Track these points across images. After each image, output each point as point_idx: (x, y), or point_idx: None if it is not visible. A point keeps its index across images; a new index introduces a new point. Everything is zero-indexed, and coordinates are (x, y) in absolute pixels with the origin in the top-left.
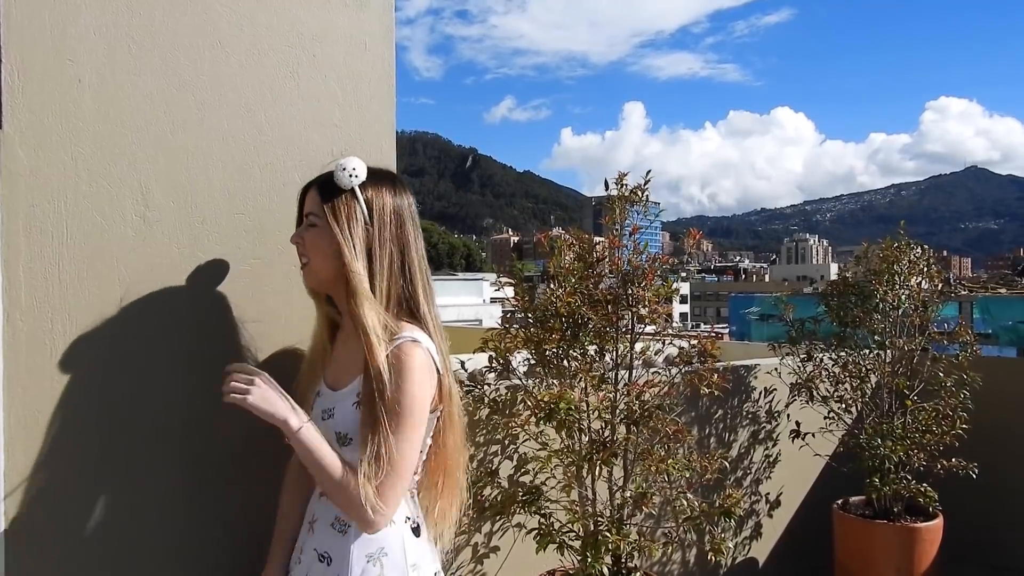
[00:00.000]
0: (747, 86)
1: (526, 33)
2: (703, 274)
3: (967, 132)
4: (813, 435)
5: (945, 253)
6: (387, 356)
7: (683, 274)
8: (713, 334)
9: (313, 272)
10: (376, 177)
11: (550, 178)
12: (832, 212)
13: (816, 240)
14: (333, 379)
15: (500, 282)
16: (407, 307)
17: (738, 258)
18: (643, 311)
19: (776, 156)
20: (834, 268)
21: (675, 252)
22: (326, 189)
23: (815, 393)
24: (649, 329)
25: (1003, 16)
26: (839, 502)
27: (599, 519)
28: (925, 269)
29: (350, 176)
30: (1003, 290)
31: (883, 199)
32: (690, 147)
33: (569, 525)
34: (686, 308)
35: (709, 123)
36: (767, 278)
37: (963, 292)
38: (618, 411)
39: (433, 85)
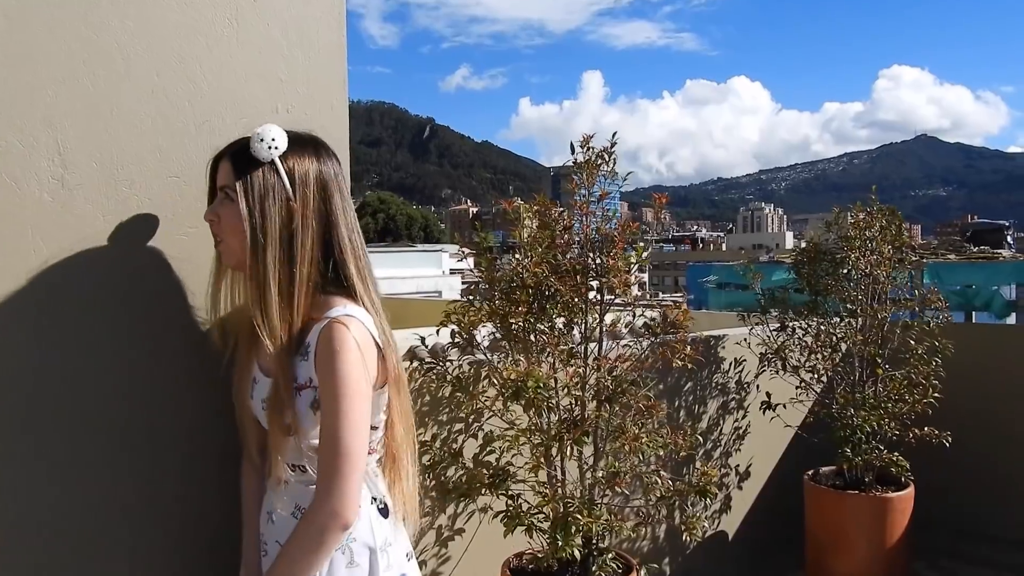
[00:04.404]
0: (704, 55)
1: (482, 1)
2: (660, 243)
3: (919, 100)
4: (784, 406)
5: None
6: (317, 336)
7: (653, 241)
8: (674, 302)
9: (231, 252)
10: (298, 145)
11: (508, 148)
12: (787, 181)
13: (772, 209)
14: (267, 363)
15: (463, 252)
16: (340, 285)
17: (695, 227)
18: (614, 280)
19: (733, 125)
20: (789, 236)
21: (632, 221)
22: (241, 160)
23: (787, 363)
24: (617, 301)
25: None
26: (809, 473)
27: (569, 501)
28: (895, 235)
29: (269, 148)
30: (952, 256)
31: (836, 168)
32: (648, 116)
33: (538, 508)
34: (645, 277)
35: (667, 92)
36: (724, 247)
37: (914, 258)
38: (588, 387)
39: (389, 54)
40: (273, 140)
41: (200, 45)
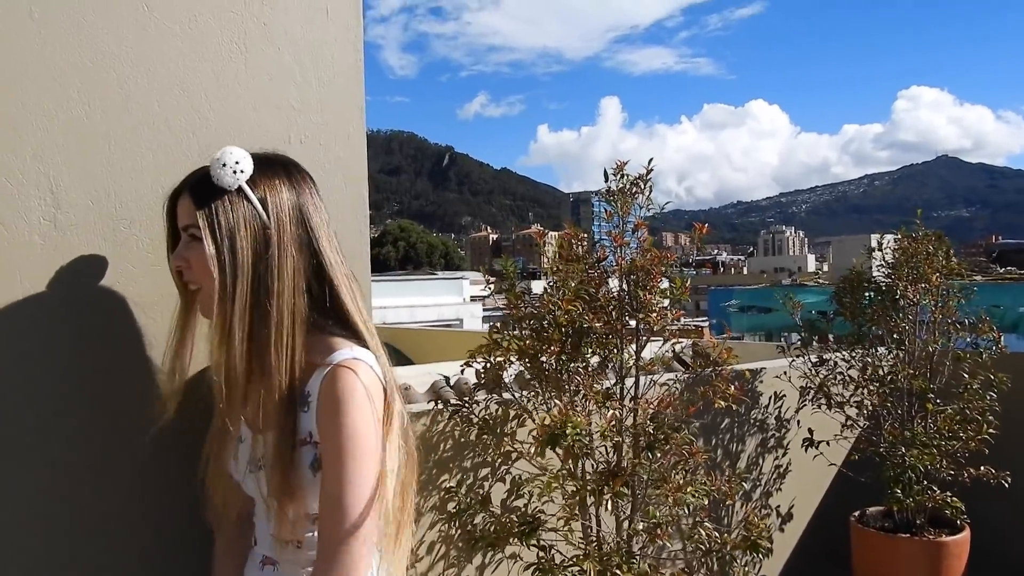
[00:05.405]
0: (721, 79)
1: (500, 30)
2: (681, 268)
3: (939, 121)
4: (828, 443)
5: None
6: (320, 384)
7: (692, 271)
8: (696, 325)
9: (211, 300)
10: (266, 166)
11: (527, 175)
12: (807, 203)
13: (792, 232)
14: (255, 418)
15: (489, 282)
16: (332, 317)
17: (716, 251)
18: (652, 316)
19: (751, 149)
20: (811, 259)
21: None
22: (202, 192)
23: (831, 400)
24: (655, 333)
25: (972, 3)
26: (856, 514)
27: (608, 557)
28: (945, 262)
29: (234, 172)
30: (978, 277)
31: (857, 189)
32: (666, 141)
33: (573, 561)
34: (666, 302)
35: (685, 117)
36: (745, 271)
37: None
38: (625, 429)
39: (408, 83)
40: (237, 163)
41: (205, 72)
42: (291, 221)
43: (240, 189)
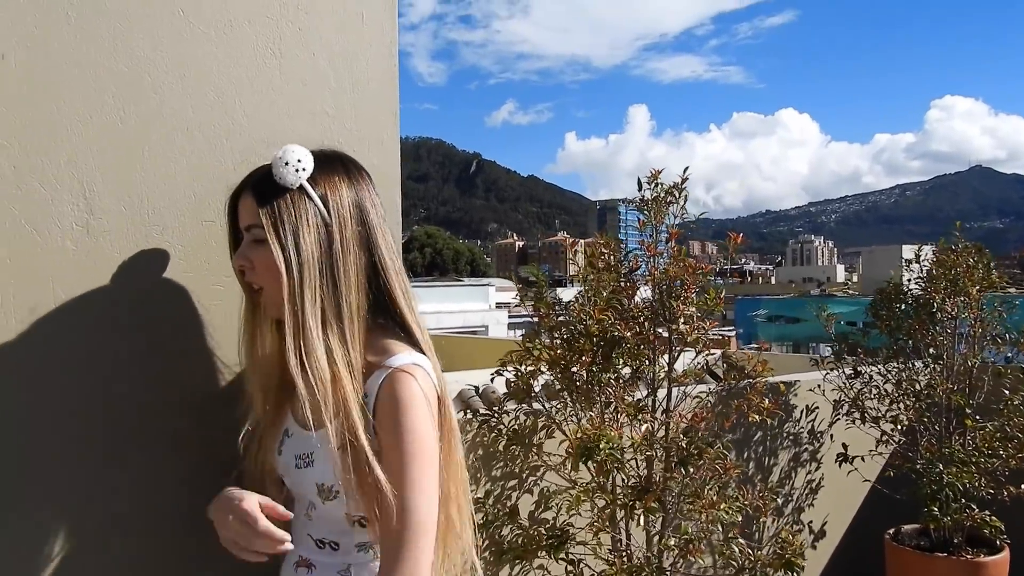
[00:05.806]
0: (751, 88)
1: (529, 38)
2: (715, 278)
3: (972, 131)
4: (862, 459)
5: None
6: (379, 386)
7: (719, 280)
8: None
9: (275, 300)
10: (326, 164)
11: (554, 182)
12: (837, 213)
13: (821, 241)
14: (306, 415)
15: (520, 290)
16: (388, 318)
17: (743, 260)
18: (683, 327)
19: (781, 157)
20: (840, 269)
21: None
22: (264, 190)
23: (866, 414)
24: (688, 345)
25: (1008, 14)
26: (891, 532)
27: (638, 572)
28: (984, 275)
29: (296, 170)
30: (1012, 289)
31: (888, 199)
32: (695, 150)
33: (602, 575)
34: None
35: (714, 125)
36: (773, 280)
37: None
38: (657, 441)
39: (437, 91)
40: (299, 161)
41: (240, 77)
42: (352, 218)
43: (302, 187)
